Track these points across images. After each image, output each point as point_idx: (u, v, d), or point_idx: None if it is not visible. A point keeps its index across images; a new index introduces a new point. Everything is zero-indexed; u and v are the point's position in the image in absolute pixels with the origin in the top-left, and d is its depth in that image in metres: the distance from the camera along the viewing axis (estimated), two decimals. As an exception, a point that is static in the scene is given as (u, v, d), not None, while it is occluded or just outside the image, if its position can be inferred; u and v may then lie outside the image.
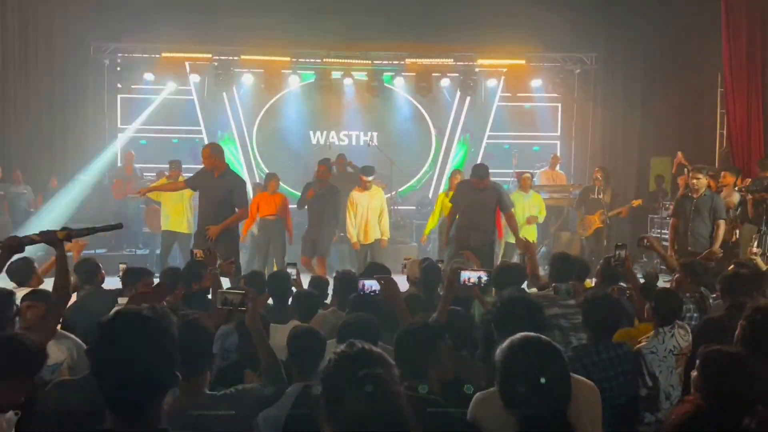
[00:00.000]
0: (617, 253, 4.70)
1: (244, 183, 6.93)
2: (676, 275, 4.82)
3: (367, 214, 8.47)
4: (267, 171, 13.05)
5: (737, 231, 8.16)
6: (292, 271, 5.28)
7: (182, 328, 2.56)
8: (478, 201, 7.36)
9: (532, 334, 2.19)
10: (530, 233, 8.94)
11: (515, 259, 8.61)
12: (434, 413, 2.56)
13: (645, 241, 5.27)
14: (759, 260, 5.62)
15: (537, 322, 2.88)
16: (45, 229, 3.27)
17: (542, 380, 2.00)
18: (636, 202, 10.13)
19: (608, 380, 3.28)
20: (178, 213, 9.10)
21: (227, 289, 3.39)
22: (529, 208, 9.51)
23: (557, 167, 12.00)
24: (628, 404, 3.39)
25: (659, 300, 3.86)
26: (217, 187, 6.61)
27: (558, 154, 12.55)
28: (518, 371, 2.05)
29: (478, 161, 13.55)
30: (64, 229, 3.25)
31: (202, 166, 6.91)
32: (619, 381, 3.35)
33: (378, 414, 1.76)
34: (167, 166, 9.93)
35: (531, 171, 10.82)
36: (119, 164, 12.70)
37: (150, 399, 1.67)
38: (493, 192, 7.44)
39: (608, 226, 9.84)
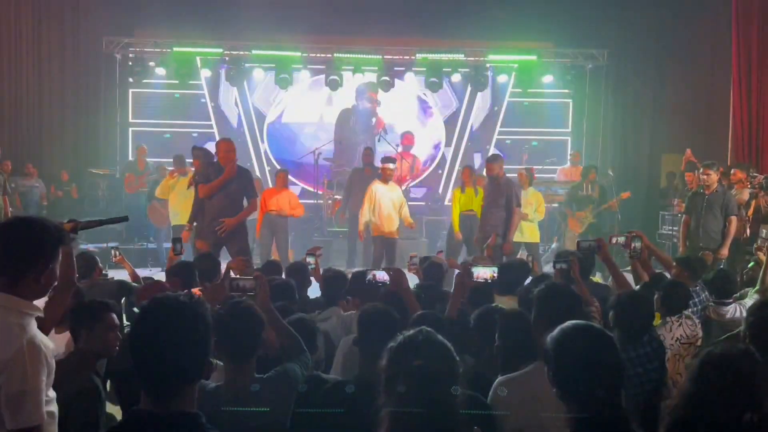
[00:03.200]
0: (633, 245, 4.71)
1: (252, 175, 7.01)
2: (673, 270, 4.86)
3: (389, 207, 8.44)
4: (277, 166, 13.18)
5: (748, 228, 8.12)
6: (311, 260, 5.28)
7: (233, 313, 2.65)
8: (493, 195, 7.67)
9: (582, 321, 2.24)
10: (533, 231, 8.91)
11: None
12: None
13: (633, 233, 5.27)
14: (762, 255, 5.58)
15: (577, 312, 2.91)
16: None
17: (597, 369, 2.02)
18: (624, 195, 10.16)
19: (631, 378, 3.23)
20: (188, 208, 9.16)
21: (238, 276, 3.44)
22: (524, 205, 9.26)
23: (578, 164, 11.96)
24: (652, 394, 3.37)
25: (667, 291, 3.99)
26: (231, 183, 6.61)
27: (577, 150, 12.61)
28: (571, 359, 2.07)
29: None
30: (70, 220, 3.20)
31: (200, 165, 6.96)
32: (648, 377, 3.33)
33: (422, 408, 1.83)
34: (170, 161, 10.05)
35: (539, 167, 10.80)
36: (131, 158, 12.77)
37: (184, 383, 1.73)
38: (505, 187, 7.63)
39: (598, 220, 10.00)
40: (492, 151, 13.61)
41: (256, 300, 3.08)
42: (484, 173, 8.48)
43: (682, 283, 4.21)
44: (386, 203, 8.45)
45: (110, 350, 2.91)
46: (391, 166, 8.52)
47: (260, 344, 2.68)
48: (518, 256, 8.57)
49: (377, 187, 8.51)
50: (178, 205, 9.21)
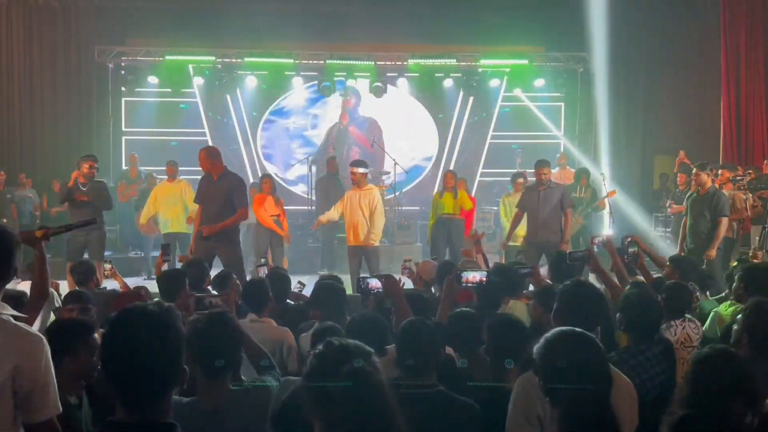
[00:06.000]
0: (630, 250, 4.73)
1: (243, 183, 6.84)
2: (665, 270, 4.88)
3: (357, 214, 8.01)
4: (271, 173, 13.19)
5: (740, 228, 8.15)
6: (264, 268, 5.36)
7: (210, 323, 2.58)
8: (549, 199, 7.71)
9: (567, 328, 2.27)
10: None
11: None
12: (442, 404, 2.62)
13: (629, 239, 5.32)
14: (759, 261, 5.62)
15: (600, 311, 2.95)
16: (23, 230, 3.33)
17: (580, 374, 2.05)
18: (611, 193, 10.20)
19: (653, 378, 3.20)
20: (176, 215, 9.18)
21: (206, 294, 3.39)
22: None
23: (566, 166, 11.98)
24: (661, 396, 3.32)
25: (669, 293, 3.93)
26: (217, 190, 6.55)
27: (564, 153, 12.62)
28: (558, 364, 2.10)
29: (482, 162, 13.67)
30: (41, 227, 3.27)
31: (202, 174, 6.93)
32: (663, 378, 3.28)
33: (365, 407, 1.81)
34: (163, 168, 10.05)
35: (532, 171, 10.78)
36: (124, 167, 12.77)
37: (158, 392, 1.73)
38: (557, 191, 7.77)
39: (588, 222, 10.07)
40: (485, 154, 13.70)
41: None
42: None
43: (684, 285, 4.18)
44: (355, 211, 8.00)
45: (93, 373, 2.87)
46: (360, 170, 8.06)
47: (239, 358, 2.59)
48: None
49: (349, 195, 8.16)
50: (167, 212, 9.22)
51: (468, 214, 9.19)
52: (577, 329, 2.24)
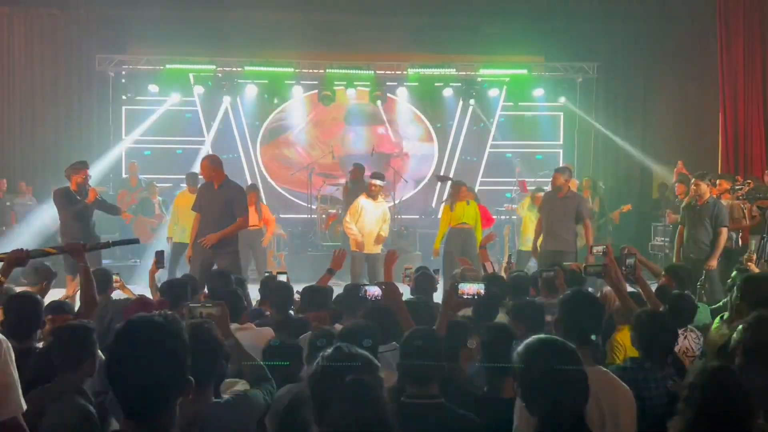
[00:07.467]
0: (627, 261, 4.71)
1: (243, 192, 6.89)
2: (662, 280, 4.88)
3: (374, 224, 8.32)
4: (271, 182, 13.23)
5: (740, 238, 8.16)
6: (283, 277, 5.38)
7: (191, 335, 2.59)
8: (563, 208, 7.68)
9: (546, 336, 2.30)
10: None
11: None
12: (442, 416, 2.61)
13: (626, 250, 5.32)
14: (753, 266, 5.62)
15: (601, 318, 2.95)
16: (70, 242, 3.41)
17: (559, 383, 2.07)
18: (625, 208, 10.17)
19: (656, 398, 3.09)
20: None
21: (198, 303, 3.34)
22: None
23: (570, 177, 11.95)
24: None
25: (673, 304, 3.98)
26: (217, 198, 6.57)
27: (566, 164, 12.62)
28: (536, 373, 2.12)
29: (481, 171, 13.70)
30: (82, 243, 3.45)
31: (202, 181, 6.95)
32: (666, 400, 3.17)
33: (361, 419, 1.84)
34: (169, 177, 9.99)
35: (531, 180, 10.81)
36: (124, 175, 12.77)
37: (163, 403, 1.72)
38: (571, 201, 7.71)
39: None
40: (484, 163, 13.73)
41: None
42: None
43: (688, 295, 4.19)
44: (369, 220, 8.29)
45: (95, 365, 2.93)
46: (378, 182, 8.36)
47: (219, 371, 2.56)
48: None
49: (364, 203, 8.36)
50: (187, 221, 9.15)
51: (486, 224, 9.14)
52: (555, 337, 2.28)
